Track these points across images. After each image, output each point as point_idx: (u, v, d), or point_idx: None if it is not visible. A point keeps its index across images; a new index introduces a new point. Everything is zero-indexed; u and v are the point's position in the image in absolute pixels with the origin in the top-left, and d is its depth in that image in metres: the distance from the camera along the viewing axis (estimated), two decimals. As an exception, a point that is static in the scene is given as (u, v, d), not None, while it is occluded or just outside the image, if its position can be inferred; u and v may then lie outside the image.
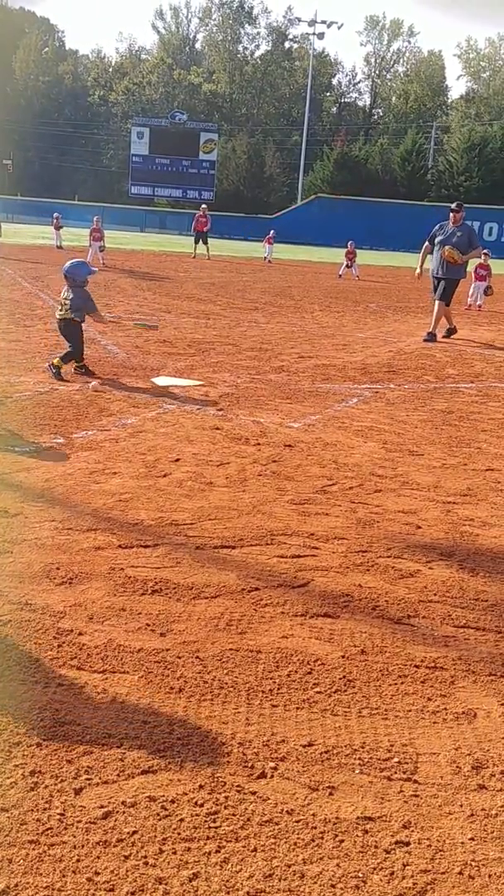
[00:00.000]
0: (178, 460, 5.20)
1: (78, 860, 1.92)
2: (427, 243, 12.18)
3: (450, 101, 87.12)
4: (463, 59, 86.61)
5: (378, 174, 64.28)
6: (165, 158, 57.80)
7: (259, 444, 5.71)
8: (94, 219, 23.61)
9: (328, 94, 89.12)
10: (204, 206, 30.08)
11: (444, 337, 12.06)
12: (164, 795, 2.15)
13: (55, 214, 28.87)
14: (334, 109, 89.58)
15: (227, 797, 2.16)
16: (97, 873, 1.89)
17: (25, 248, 26.88)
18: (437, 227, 12.19)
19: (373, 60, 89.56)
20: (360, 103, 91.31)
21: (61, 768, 2.23)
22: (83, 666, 2.76)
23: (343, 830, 2.07)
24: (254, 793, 2.19)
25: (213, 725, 2.47)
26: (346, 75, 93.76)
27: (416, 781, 2.28)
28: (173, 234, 48.52)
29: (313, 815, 2.12)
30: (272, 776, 2.26)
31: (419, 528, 4.25)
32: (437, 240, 11.95)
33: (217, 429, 6.07)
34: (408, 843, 2.04)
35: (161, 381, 7.74)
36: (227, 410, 6.71)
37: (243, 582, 3.48)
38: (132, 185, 59.57)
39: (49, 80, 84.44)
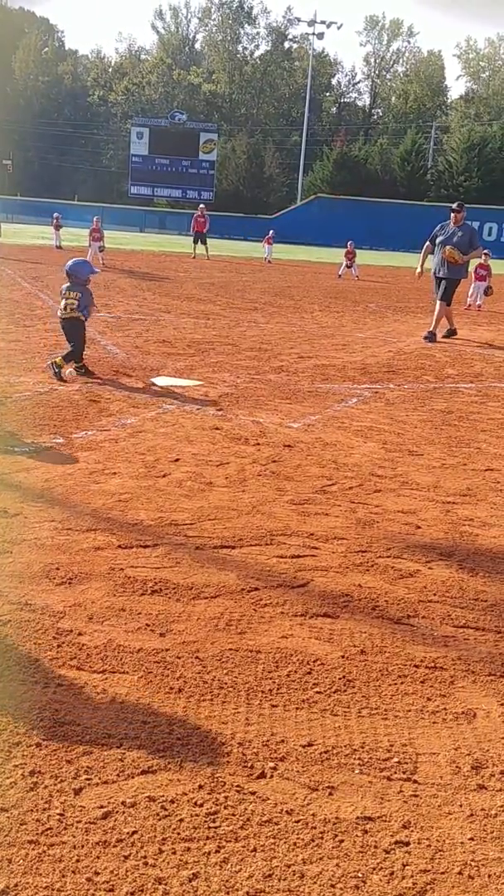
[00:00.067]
0: (177, 460, 5.20)
1: (77, 860, 1.92)
2: (428, 243, 12.20)
3: (449, 101, 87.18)
4: (462, 60, 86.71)
5: (378, 174, 64.30)
6: (165, 158, 57.81)
7: (259, 444, 5.71)
8: (94, 219, 23.61)
9: (328, 94, 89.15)
10: (202, 206, 30.09)
11: (443, 337, 12.06)
12: (163, 795, 2.15)
13: (55, 214, 28.88)
14: (334, 109, 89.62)
15: (226, 797, 2.16)
16: (97, 873, 1.89)
17: (25, 248, 26.89)
18: (438, 227, 12.21)
19: (372, 60, 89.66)
20: (360, 103, 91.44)
21: (61, 768, 2.23)
22: (83, 666, 2.76)
23: (343, 830, 2.07)
24: (253, 793, 2.19)
25: (213, 725, 2.47)
26: (346, 75, 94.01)
27: (415, 781, 2.28)
28: (173, 235, 48.52)
29: (313, 815, 2.12)
30: (272, 776, 2.26)
31: (419, 528, 4.25)
32: (438, 240, 11.97)
33: (217, 429, 6.07)
34: (407, 843, 2.04)
35: (161, 381, 7.74)
36: (227, 410, 6.71)
37: (243, 582, 3.48)
38: (132, 185, 59.59)
39: (49, 80, 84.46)
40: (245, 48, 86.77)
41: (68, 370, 7.45)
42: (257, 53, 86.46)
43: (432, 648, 3.02)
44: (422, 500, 4.70)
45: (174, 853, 1.96)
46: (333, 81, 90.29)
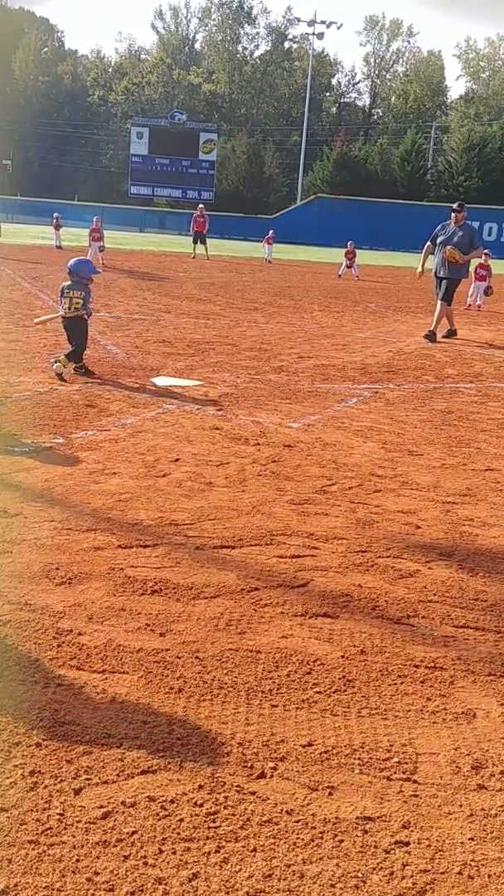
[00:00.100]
0: (177, 460, 5.20)
1: (77, 860, 1.92)
2: (429, 243, 12.22)
3: (449, 101, 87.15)
4: (462, 60, 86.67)
5: (377, 174, 64.27)
6: (165, 158, 57.79)
7: (258, 444, 5.71)
8: (94, 219, 23.60)
9: (328, 94, 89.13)
10: (201, 206, 30.07)
11: (443, 338, 12.06)
12: (163, 795, 2.15)
13: (55, 214, 28.86)
14: (334, 109, 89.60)
15: (226, 797, 2.16)
16: (97, 873, 1.89)
17: (25, 248, 26.88)
18: (439, 227, 12.24)
19: (372, 60, 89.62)
20: (360, 103, 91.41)
21: (61, 768, 2.23)
22: (83, 666, 2.76)
23: (343, 830, 2.07)
24: (253, 793, 2.19)
25: (213, 725, 2.47)
26: (346, 75, 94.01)
27: (415, 781, 2.28)
28: (173, 235, 48.50)
29: (313, 815, 2.12)
30: (272, 776, 2.26)
31: (419, 528, 4.25)
32: (438, 240, 11.99)
33: (216, 429, 6.07)
34: (407, 843, 2.04)
35: (160, 381, 7.74)
36: (227, 410, 6.71)
37: (243, 582, 3.48)
38: (132, 185, 59.57)
39: (48, 80, 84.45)
40: (245, 48, 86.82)
41: (68, 370, 7.46)
42: (257, 53, 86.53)
43: (432, 648, 3.02)
44: (422, 500, 4.70)
45: (174, 853, 1.96)
46: (333, 81, 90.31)
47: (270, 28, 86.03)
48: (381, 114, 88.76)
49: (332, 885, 1.89)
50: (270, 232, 31.76)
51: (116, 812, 2.08)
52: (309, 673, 2.80)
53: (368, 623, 3.19)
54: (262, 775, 2.26)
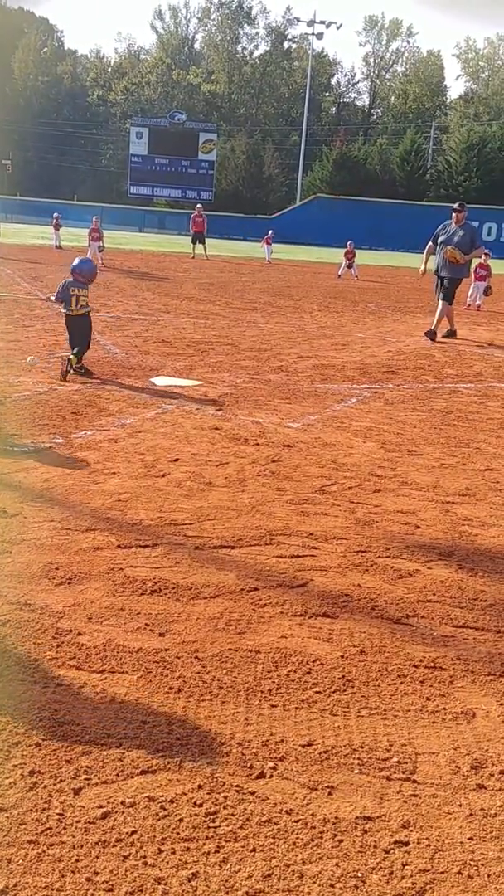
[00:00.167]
0: (177, 460, 5.20)
1: (77, 860, 1.92)
2: (430, 244, 12.27)
3: (449, 101, 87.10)
4: (462, 60, 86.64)
5: (377, 174, 64.24)
6: (164, 158, 57.74)
7: (258, 444, 5.71)
8: (94, 219, 23.59)
9: (327, 94, 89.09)
10: (199, 206, 30.03)
11: (443, 338, 12.07)
12: (163, 795, 2.15)
13: (55, 214, 28.86)
14: (333, 109, 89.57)
15: (226, 797, 2.16)
16: (96, 873, 1.89)
17: (25, 248, 26.87)
18: (440, 227, 12.29)
19: (372, 60, 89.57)
20: (359, 103, 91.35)
21: (60, 768, 2.23)
22: (82, 666, 2.76)
23: (342, 830, 2.07)
24: (253, 793, 2.19)
25: (212, 725, 2.47)
26: (345, 75, 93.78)
27: (415, 781, 2.28)
28: (172, 235, 48.46)
29: (312, 814, 2.12)
30: (271, 776, 2.26)
31: (418, 527, 4.25)
32: (439, 239, 12.04)
33: (216, 429, 6.07)
34: (407, 843, 2.04)
35: (160, 381, 7.74)
36: (226, 410, 6.71)
37: (242, 582, 3.48)
38: (131, 185, 59.53)
39: (48, 80, 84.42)
40: (244, 48, 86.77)
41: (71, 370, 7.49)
42: (257, 53, 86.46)
43: (432, 648, 3.02)
44: (421, 500, 4.70)
45: (173, 853, 1.96)
46: (333, 81, 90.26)
47: (270, 28, 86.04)
48: (380, 114, 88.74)
49: (332, 885, 1.89)
50: (270, 232, 31.74)
51: (116, 812, 2.08)
52: (308, 673, 2.80)
53: (368, 623, 3.19)
54: (261, 775, 2.26)
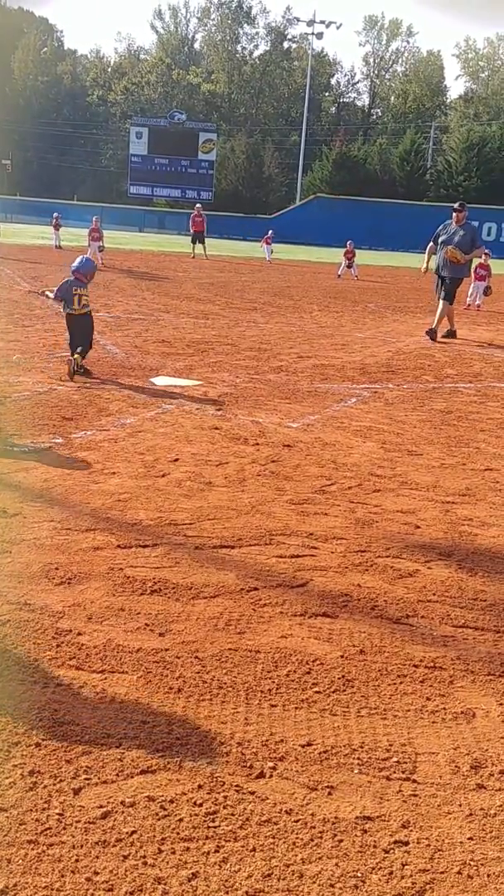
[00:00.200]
0: (176, 460, 5.20)
1: (77, 860, 1.92)
2: (431, 243, 12.30)
3: (448, 101, 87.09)
4: (462, 59, 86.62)
5: (377, 174, 64.21)
6: (164, 158, 57.73)
7: (258, 444, 5.71)
8: (94, 219, 23.58)
9: (327, 94, 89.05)
10: (198, 206, 30.01)
11: (443, 338, 12.07)
12: (162, 795, 2.15)
13: (55, 214, 28.85)
14: (333, 109, 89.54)
15: (225, 797, 2.16)
16: (96, 873, 1.89)
17: (24, 248, 26.87)
18: (440, 226, 12.32)
19: (371, 60, 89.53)
20: (359, 103, 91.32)
21: (60, 768, 2.23)
22: (82, 666, 2.76)
23: (342, 830, 2.07)
24: (252, 792, 2.19)
25: (212, 725, 2.47)
26: (345, 75, 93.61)
27: (414, 781, 2.28)
28: (172, 234, 48.45)
29: (312, 814, 2.12)
30: (271, 776, 2.26)
31: (418, 527, 4.25)
32: (440, 239, 12.07)
33: (216, 429, 6.07)
34: (407, 843, 2.04)
35: (160, 381, 7.75)
36: (226, 410, 6.71)
37: (242, 582, 3.48)
38: (131, 185, 59.50)
39: (48, 80, 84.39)
40: (244, 48, 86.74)
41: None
42: (256, 53, 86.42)
43: (431, 648, 3.02)
44: (421, 500, 4.70)
45: (173, 853, 1.96)
46: (332, 81, 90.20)
47: (270, 28, 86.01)
48: (380, 114, 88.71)
49: (332, 885, 1.89)
50: (269, 232, 31.74)
51: (116, 812, 2.08)
52: (308, 673, 2.80)
53: (368, 623, 3.19)
54: (261, 775, 2.26)
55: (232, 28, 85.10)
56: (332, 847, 2.01)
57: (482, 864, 1.99)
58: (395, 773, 2.30)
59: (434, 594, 3.47)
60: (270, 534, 4.02)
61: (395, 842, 2.04)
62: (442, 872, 1.96)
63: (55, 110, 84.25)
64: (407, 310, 16.52)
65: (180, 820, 2.07)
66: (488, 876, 1.96)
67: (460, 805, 2.20)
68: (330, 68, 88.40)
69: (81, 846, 1.96)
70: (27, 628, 2.98)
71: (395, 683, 2.77)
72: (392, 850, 2.01)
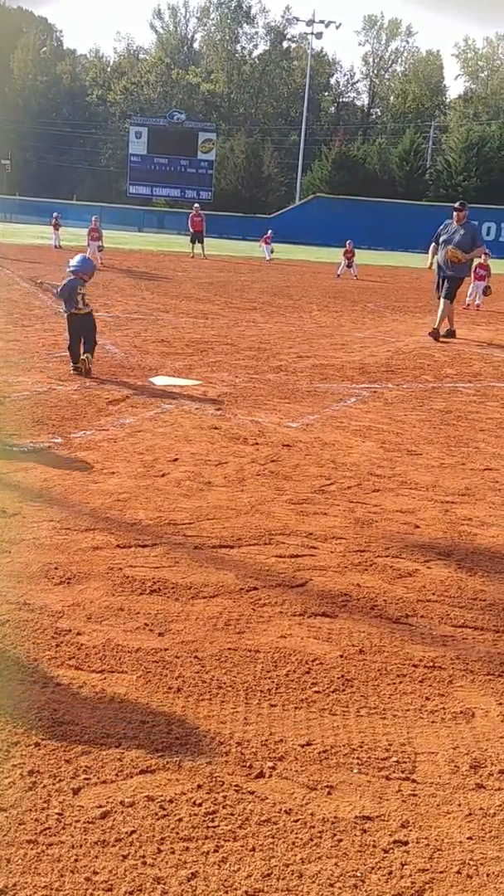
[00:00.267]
0: (176, 460, 5.20)
1: (76, 860, 1.92)
2: (433, 244, 12.32)
3: (448, 100, 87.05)
4: (461, 59, 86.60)
5: (376, 174, 64.22)
6: (164, 158, 57.71)
7: (257, 443, 5.71)
8: (93, 219, 23.59)
9: (326, 93, 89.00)
10: (197, 205, 29.99)
11: (443, 337, 12.07)
12: (162, 795, 2.15)
13: (55, 214, 28.83)
14: (332, 109, 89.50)
15: (225, 797, 2.16)
16: (95, 873, 1.89)
17: (24, 248, 26.86)
18: (441, 226, 12.36)
19: (371, 60, 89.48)
20: (359, 103, 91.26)
21: (59, 768, 2.23)
22: (81, 666, 2.76)
23: (341, 830, 2.07)
24: (252, 792, 2.19)
25: (212, 725, 2.47)
26: (345, 75, 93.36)
27: (414, 781, 2.28)
28: (171, 234, 48.44)
29: (311, 814, 2.12)
30: (270, 776, 2.26)
31: (417, 527, 4.25)
32: (441, 239, 12.10)
33: (215, 428, 6.07)
34: (406, 843, 2.04)
35: (159, 380, 7.74)
36: (226, 410, 6.71)
37: (241, 582, 3.48)
38: (130, 184, 59.48)
39: (47, 79, 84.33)
40: (244, 48, 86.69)
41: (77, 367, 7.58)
42: (256, 53, 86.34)
43: (431, 648, 3.02)
44: (420, 500, 4.70)
45: (173, 853, 1.96)
46: (332, 81, 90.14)
47: (269, 28, 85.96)
48: (379, 113, 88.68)
49: (331, 885, 1.89)
50: (269, 231, 31.73)
51: (115, 812, 2.08)
52: (308, 672, 2.80)
53: (367, 622, 3.19)
54: (260, 775, 2.26)
55: (231, 28, 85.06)
56: (331, 847, 2.01)
57: (481, 864, 1.99)
58: (394, 772, 2.30)
59: (433, 594, 3.47)
60: (270, 533, 4.02)
61: (395, 841, 2.04)
62: (441, 872, 1.96)
63: (54, 110, 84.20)
64: (406, 309, 16.52)
65: (179, 820, 2.07)
66: (487, 875, 1.96)
67: (460, 805, 2.20)
68: (329, 68, 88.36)
69: (81, 846, 1.96)
70: (26, 628, 2.97)
71: (394, 683, 2.77)
72: (391, 850, 2.01)
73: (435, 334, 11.83)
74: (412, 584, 3.56)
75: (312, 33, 60.69)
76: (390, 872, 1.94)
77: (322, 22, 58.95)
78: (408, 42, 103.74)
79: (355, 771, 2.30)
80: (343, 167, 61.28)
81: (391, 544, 4.00)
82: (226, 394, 7.33)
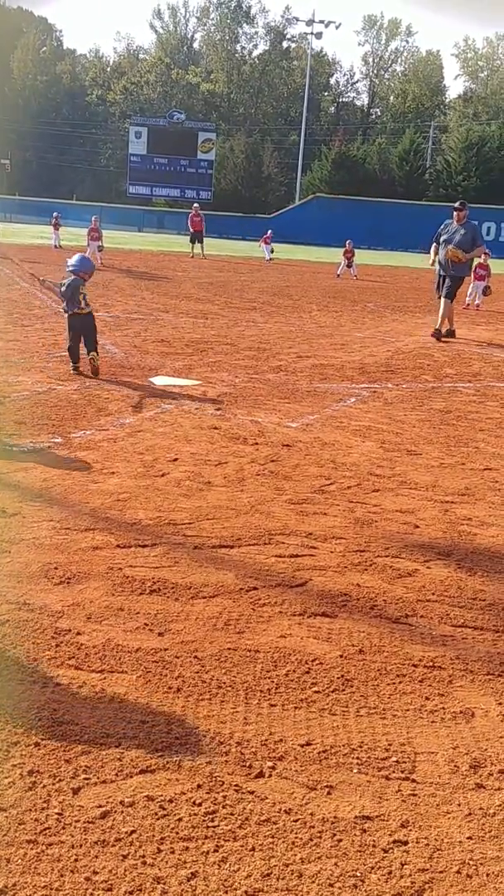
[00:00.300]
0: (176, 460, 5.20)
1: (76, 860, 1.92)
2: (434, 244, 12.34)
3: (448, 100, 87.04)
4: (461, 59, 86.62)
5: (376, 174, 64.22)
6: (163, 158, 57.71)
7: (257, 443, 5.71)
8: (93, 218, 23.59)
9: (326, 93, 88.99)
10: (196, 205, 29.99)
11: (442, 337, 12.07)
12: (162, 795, 2.15)
13: (55, 214, 28.83)
14: (332, 109, 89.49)
15: (225, 796, 2.16)
16: (95, 873, 1.89)
17: (24, 247, 26.85)
18: (442, 226, 12.38)
19: (371, 60, 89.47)
20: (358, 103, 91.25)
21: (59, 768, 2.23)
22: (81, 665, 2.76)
23: (341, 830, 2.07)
24: (252, 792, 2.19)
25: (212, 725, 2.47)
26: (344, 75, 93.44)
27: (413, 781, 2.28)
28: (171, 234, 48.45)
29: (311, 814, 2.12)
30: (270, 775, 2.26)
31: (417, 527, 4.25)
32: (442, 238, 12.13)
33: (215, 428, 6.07)
34: (406, 843, 2.04)
35: (159, 380, 7.74)
36: (226, 410, 6.71)
37: (241, 581, 3.48)
38: (130, 184, 59.48)
39: (47, 79, 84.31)
40: (243, 48, 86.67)
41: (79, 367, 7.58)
42: (256, 53, 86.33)
43: (431, 648, 3.02)
44: (420, 500, 4.70)
45: (173, 852, 1.96)
46: (332, 81, 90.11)
47: (269, 27, 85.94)
48: (379, 113, 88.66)
49: (331, 885, 1.89)
50: (268, 231, 31.73)
51: (115, 811, 2.08)
52: (307, 672, 2.80)
53: (367, 622, 3.19)
54: (260, 774, 2.26)
55: (231, 28, 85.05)
56: (331, 846, 2.01)
57: (481, 864, 1.99)
58: (394, 772, 2.30)
59: (433, 594, 3.47)
60: (269, 533, 4.02)
61: (395, 841, 2.04)
62: (441, 872, 1.96)
63: (54, 110, 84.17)
64: (406, 309, 16.52)
65: (179, 819, 2.07)
66: (487, 875, 1.96)
67: (459, 804, 2.20)
68: (329, 68, 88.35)
69: (80, 846, 1.96)
70: (26, 628, 2.98)
71: (394, 683, 2.77)
72: (391, 850, 2.01)
73: (437, 334, 11.87)
74: (412, 583, 3.57)
75: (312, 33, 60.74)
76: (390, 872, 1.94)
77: (322, 22, 59.01)
78: (407, 42, 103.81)
79: (355, 771, 2.30)
80: (343, 167, 61.28)
81: (391, 544, 4.00)
82: (225, 394, 7.33)
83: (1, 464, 4.89)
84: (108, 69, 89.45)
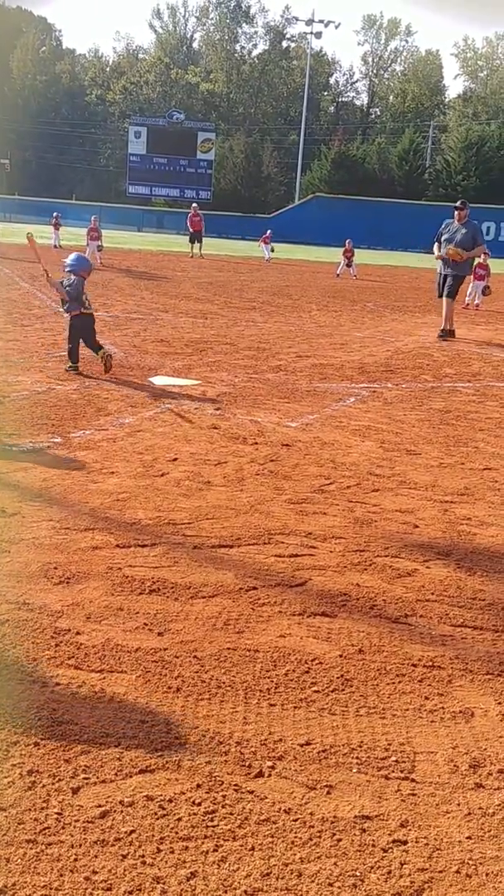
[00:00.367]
0: (175, 460, 5.20)
1: (75, 859, 1.92)
2: (436, 243, 12.36)
3: (447, 100, 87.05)
4: (460, 59, 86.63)
5: (376, 173, 64.22)
6: (163, 158, 57.71)
7: (257, 443, 5.71)
8: (92, 218, 23.60)
9: (326, 93, 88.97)
10: (195, 205, 29.97)
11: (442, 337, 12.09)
12: (161, 795, 2.15)
13: (55, 214, 28.82)
14: (332, 109, 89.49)
15: (224, 796, 2.16)
16: (95, 872, 1.89)
17: (23, 247, 26.81)
18: (443, 225, 12.40)
19: (370, 60, 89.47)
20: (358, 102, 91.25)
21: (59, 767, 2.23)
22: (81, 665, 2.76)
23: (341, 829, 2.07)
24: (251, 792, 2.19)
25: (211, 725, 2.47)
26: (344, 74, 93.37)
27: (413, 780, 2.28)
28: (171, 234, 48.44)
29: (311, 813, 2.12)
30: (270, 775, 2.26)
31: (417, 527, 4.25)
32: (443, 238, 12.15)
33: (215, 428, 6.07)
34: (405, 842, 2.04)
35: (159, 380, 7.74)
36: (225, 410, 6.71)
37: (241, 581, 3.48)
38: (129, 184, 59.48)
39: (46, 79, 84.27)
40: (243, 47, 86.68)
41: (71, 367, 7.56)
42: (255, 53, 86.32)
43: (430, 647, 3.02)
44: (420, 500, 4.70)
45: (172, 852, 1.96)
46: (331, 81, 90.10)
47: (268, 27, 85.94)
48: (379, 113, 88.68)
49: (331, 884, 1.89)
50: (268, 231, 31.73)
51: (114, 811, 2.08)
52: (307, 672, 2.80)
53: (366, 622, 3.19)
54: (260, 774, 2.26)
55: (230, 27, 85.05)
56: (330, 846, 2.01)
57: (481, 864, 1.99)
58: (393, 772, 2.30)
59: (433, 593, 3.47)
60: (269, 533, 4.02)
61: (394, 841, 2.04)
62: (440, 871, 1.96)
63: (53, 109, 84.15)
64: (406, 309, 16.52)
65: (179, 819, 2.07)
66: (487, 875, 1.96)
67: (459, 804, 2.20)
68: (329, 68, 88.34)
69: (80, 845, 1.96)
70: (26, 628, 2.98)
71: (393, 683, 2.77)
72: (391, 850, 2.01)
73: (444, 334, 11.92)
74: (411, 583, 3.57)
75: (312, 33, 60.77)
76: (389, 872, 1.94)
77: (321, 21, 59.04)
78: (407, 42, 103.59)
79: (354, 770, 2.30)
80: (342, 167, 61.28)
81: (390, 544, 4.00)
82: (225, 393, 7.33)
83: (0, 463, 4.88)
84: (108, 69, 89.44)
